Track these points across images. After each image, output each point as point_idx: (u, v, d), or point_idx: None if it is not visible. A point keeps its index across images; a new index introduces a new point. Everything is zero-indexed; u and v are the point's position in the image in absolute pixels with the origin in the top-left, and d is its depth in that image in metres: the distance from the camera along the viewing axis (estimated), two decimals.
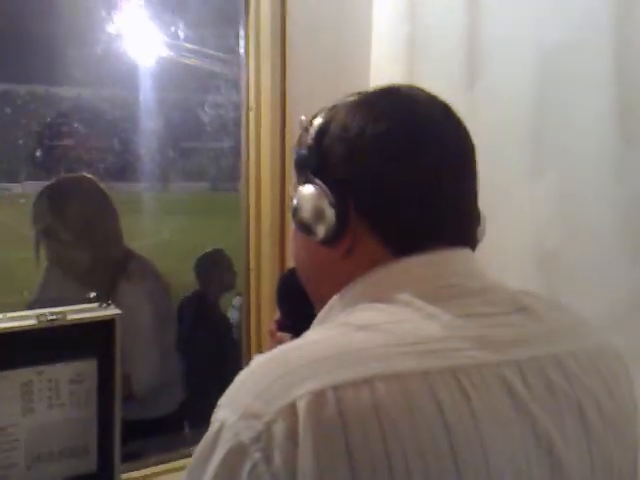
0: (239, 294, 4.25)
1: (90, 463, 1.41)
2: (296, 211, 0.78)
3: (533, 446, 0.64)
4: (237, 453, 0.59)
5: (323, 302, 0.79)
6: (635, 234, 1.16)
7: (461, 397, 0.62)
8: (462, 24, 1.40)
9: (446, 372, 0.63)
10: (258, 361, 0.66)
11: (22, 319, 1.30)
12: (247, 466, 0.57)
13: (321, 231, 0.76)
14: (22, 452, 1.34)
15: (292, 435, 0.57)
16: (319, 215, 0.76)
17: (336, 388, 0.59)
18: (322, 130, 0.78)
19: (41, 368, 1.33)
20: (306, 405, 0.58)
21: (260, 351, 1.63)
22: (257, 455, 0.57)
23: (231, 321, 4.14)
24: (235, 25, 1.61)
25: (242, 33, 1.57)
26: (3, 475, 1.32)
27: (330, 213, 0.75)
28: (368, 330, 0.66)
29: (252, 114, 1.55)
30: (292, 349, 0.67)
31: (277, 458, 0.57)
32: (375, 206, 0.75)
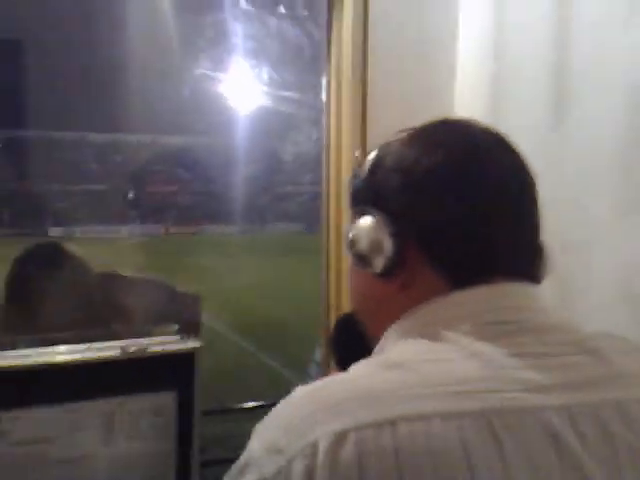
0: (320, 345, 4.23)
1: None
2: (353, 243, 0.77)
3: None
4: None
5: (380, 335, 0.78)
6: None
7: (492, 440, 0.58)
8: (550, 63, 1.38)
9: (477, 414, 0.60)
10: (296, 393, 0.67)
11: (106, 350, 1.34)
12: None
13: (379, 263, 0.75)
14: None
15: (309, 474, 0.58)
16: (376, 247, 0.75)
17: (358, 429, 0.58)
18: (376, 162, 0.78)
19: (123, 399, 1.36)
20: (327, 445, 0.58)
21: None
22: None
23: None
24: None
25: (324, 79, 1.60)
26: None
27: (388, 245, 0.74)
28: (400, 369, 0.65)
29: (332, 155, 1.56)
30: (328, 384, 0.67)
31: None
32: (432, 237, 0.73)
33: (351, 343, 0.94)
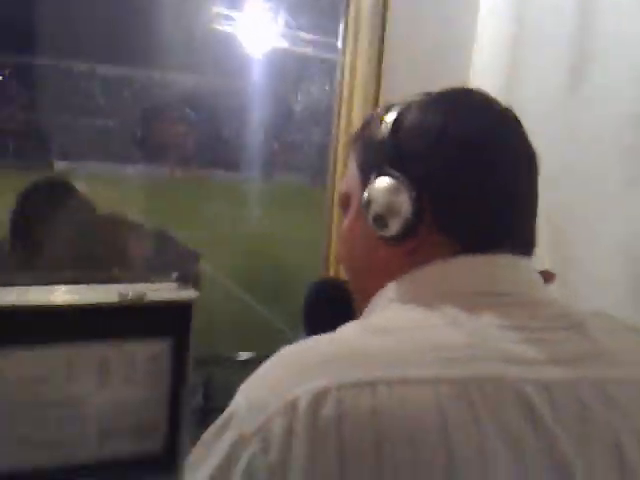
0: None
1: (158, 443, 1.43)
2: (369, 204, 0.76)
3: (548, 470, 0.60)
4: (239, 442, 0.61)
5: (369, 300, 0.78)
6: None
7: (467, 408, 0.59)
8: (571, 24, 1.33)
9: (455, 382, 0.60)
10: (280, 353, 0.67)
11: (104, 293, 1.33)
12: (246, 455, 0.60)
13: (394, 226, 0.74)
14: (94, 425, 1.36)
15: (289, 431, 0.58)
16: (395, 209, 0.73)
17: (339, 388, 0.59)
18: (398, 123, 0.76)
19: (119, 344, 1.36)
20: (307, 403, 0.59)
21: None
22: (256, 446, 0.59)
23: None
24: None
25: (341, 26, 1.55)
26: (74, 446, 1.36)
27: (407, 208, 0.73)
28: (384, 333, 0.66)
29: (344, 106, 1.53)
30: (313, 344, 0.68)
31: (273, 451, 0.58)
32: (449, 204, 0.73)
33: (328, 310, 0.92)
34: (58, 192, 1.89)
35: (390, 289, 0.75)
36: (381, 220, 0.75)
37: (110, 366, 1.36)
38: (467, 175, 0.73)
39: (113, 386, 1.36)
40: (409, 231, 0.73)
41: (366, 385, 0.59)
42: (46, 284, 1.38)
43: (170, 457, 1.43)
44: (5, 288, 1.32)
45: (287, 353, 0.67)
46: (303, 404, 0.59)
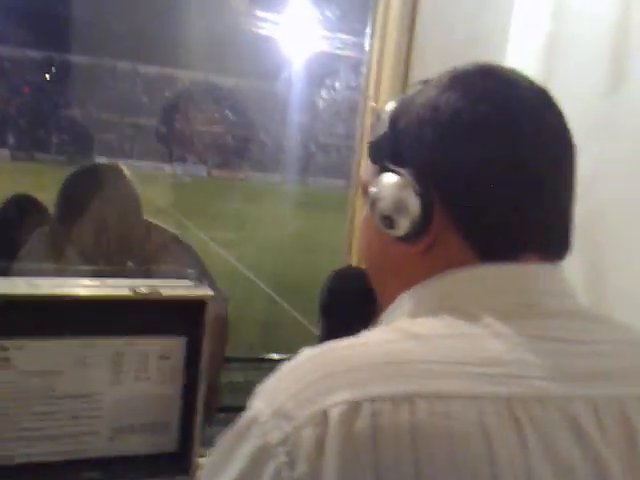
0: None
1: (170, 441, 1.40)
2: (376, 202, 0.70)
3: None
4: (263, 452, 0.56)
5: (391, 301, 0.72)
6: None
7: (513, 428, 0.55)
8: (611, 21, 1.26)
9: (499, 399, 0.56)
10: (305, 355, 0.62)
11: (119, 288, 1.31)
12: (271, 467, 0.55)
13: (404, 225, 0.68)
14: (105, 421, 1.34)
15: (319, 444, 0.54)
16: (402, 207, 0.67)
17: (374, 400, 0.54)
18: (406, 110, 0.70)
19: (132, 339, 1.34)
20: (339, 414, 0.54)
21: None
22: (282, 458, 0.55)
23: None
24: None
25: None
26: (84, 441, 1.34)
27: (414, 205, 0.67)
28: (421, 341, 0.60)
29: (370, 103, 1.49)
30: (341, 348, 0.62)
31: (301, 465, 0.54)
32: (465, 200, 0.66)
33: (348, 300, 0.87)
34: (104, 177, 1.85)
35: (415, 293, 0.69)
36: (387, 219, 0.69)
37: (123, 361, 1.34)
38: (481, 167, 0.66)
39: (126, 382, 1.34)
40: (419, 230, 0.67)
41: (403, 399, 0.55)
42: (70, 276, 1.37)
43: (181, 455, 1.40)
44: (20, 278, 1.31)
45: (310, 357, 0.61)
46: (335, 415, 0.54)
